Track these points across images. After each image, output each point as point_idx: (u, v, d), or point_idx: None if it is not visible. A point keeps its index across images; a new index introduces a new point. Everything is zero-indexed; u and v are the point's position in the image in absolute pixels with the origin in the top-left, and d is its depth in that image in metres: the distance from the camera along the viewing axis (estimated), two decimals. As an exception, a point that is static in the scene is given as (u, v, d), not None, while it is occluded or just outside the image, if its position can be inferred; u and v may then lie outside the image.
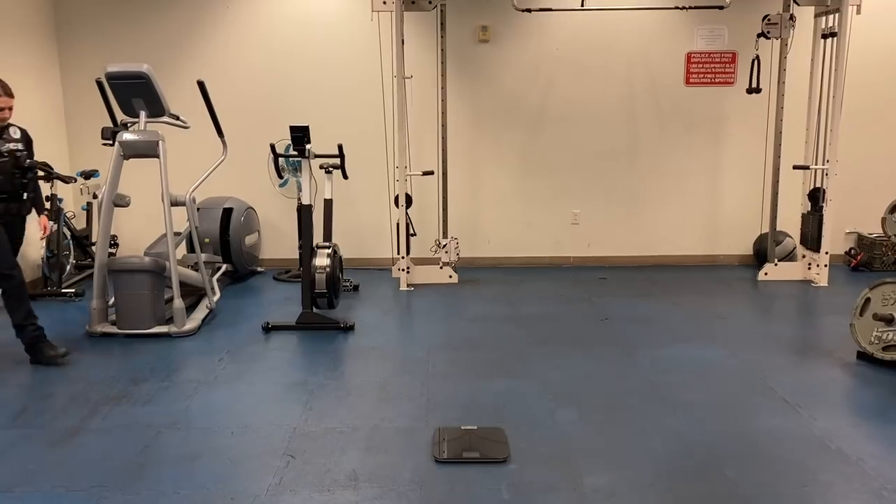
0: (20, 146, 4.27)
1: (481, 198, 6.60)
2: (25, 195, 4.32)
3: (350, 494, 2.78)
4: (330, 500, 2.75)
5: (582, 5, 5.86)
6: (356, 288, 5.82)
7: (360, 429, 3.33)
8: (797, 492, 2.78)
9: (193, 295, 5.19)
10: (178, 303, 4.66)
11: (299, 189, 5.66)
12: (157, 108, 4.75)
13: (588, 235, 6.67)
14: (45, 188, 5.59)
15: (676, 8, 5.98)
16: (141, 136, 4.67)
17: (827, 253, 5.82)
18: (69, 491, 2.82)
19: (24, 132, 4.35)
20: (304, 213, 4.99)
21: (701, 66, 6.41)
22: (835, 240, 6.07)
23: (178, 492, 2.80)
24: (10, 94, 4.15)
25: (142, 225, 6.05)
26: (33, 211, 4.51)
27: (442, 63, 6.05)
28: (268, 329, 4.76)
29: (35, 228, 4.76)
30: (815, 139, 6.00)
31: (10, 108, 4.17)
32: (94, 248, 5.62)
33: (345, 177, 5.45)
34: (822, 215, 5.83)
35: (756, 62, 5.87)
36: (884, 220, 4.57)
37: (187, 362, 4.28)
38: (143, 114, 4.77)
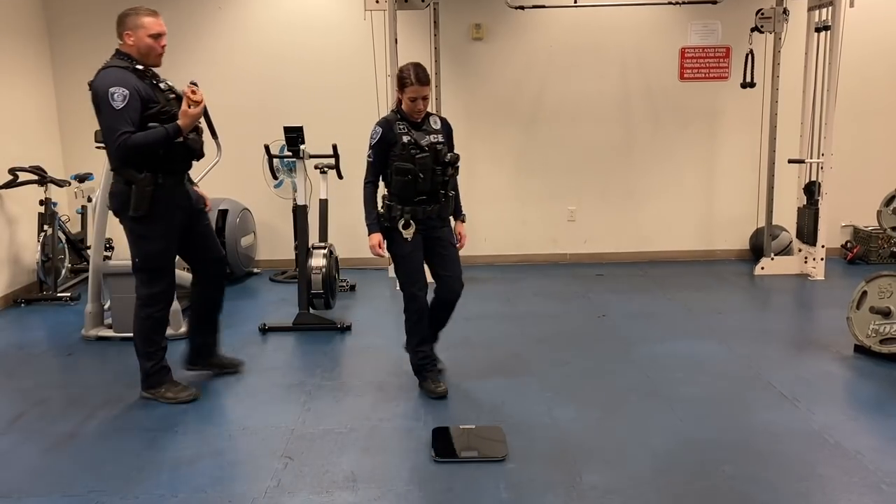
0: (440, 138, 3.64)
1: (477, 196, 6.57)
2: (445, 195, 3.70)
3: (348, 495, 2.78)
4: (328, 502, 2.74)
5: (575, 2, 5.85)
6: (353, 288, 5.81)
7: (358, 429, 3.33)
8: (796, 486, 2.78)
9: (189, 297, 5.17)
10: (174, 305, 4.63)
11: (294, 190, 5.64)
12: (150, 111, 4.73)
13: (584, 232, 6.66)
14: (38, 192, 5.60)
15: (670, 3, 5.97)
16: (134, 139, 4.64)
17: (823, 246, 5.82)
18: (66, 496, 2.81)
19: (444, 121, 3.74)
20: (299, 213, 4.97)
21: (695, 61, 6.40)
22: (831, 233, 6.06)
23: (176, 495, 2.79)
24: (422, 83, 3.50)
25: (137, 228, 6.02)
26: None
27: (436, 62, 6.03)
28: (264, 330, 4.75)
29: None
30: (810, 133, 5.99)
31: (425, 98, 3.54)
32: (89, 251, 5.59)
33: (340, 177, 5.43)
34: (817, 209, 5.83)
35: (750, 56, 5.87)
36: (879, 212, 4.57)
37: (184, 365, 4.27)
38: (136, 116, 4.74)
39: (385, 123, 3.59)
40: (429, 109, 3.64)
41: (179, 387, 3.67)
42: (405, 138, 3.54)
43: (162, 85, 3.46)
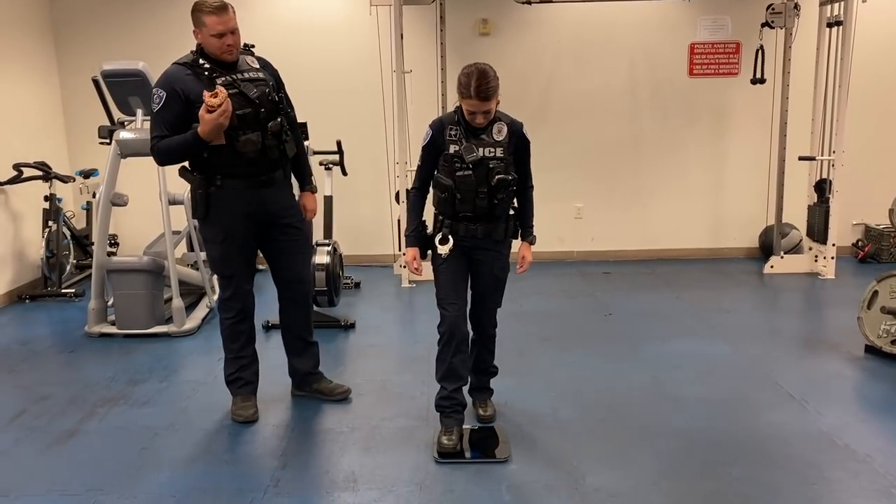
0: (497, 152, 3.03)
1: (483, 193, 6.54)
2: (497, 216, 3.17)
3: (349, 496, 2.74)
4: (328, 502, 2.71)
5: (583, -3, 5.79)
6: (357, 285, 5.78)
7: (360, 429, 3.30)
8: (804, 490, 2.73)
9: (193, 294, 5.16)
10: (178, 302, 4.62)
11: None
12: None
13: (591, 230, 6.60)
14: (43, 188, 5.60)
15: (679, -2, 5.91)
16: (138, 135, 4.62)
17: (834, 245, 5.75)
18: (64, 494, 2.79)
19: (514, 130, 3.12)
20: (303, 210, 4.93)
21: (704, 56, 6.33)
22: (842, 231, 5.98)
23: (175, 494, 2.77)
24: (483, 98, 2.95)
25: (142, 224, 6.00)
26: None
27: (442, 57, 5.99)
28: (268, 328, 4.70)
29: None
30: (821, 130, 5.92)
31: (487, 113, 3.00)
32: (93, 247, 5.59)
33: (344, 173, 5.41)
34: (828, 207, 5.75)
35: (760, 52, 5.79)
36: (891, 211, 4.51)
37: (186, 362, 4.25)
38: (139, 112, 4.73)
39: (438, 125, 3.07)
40: (502, 111, 3.12)
41: (247, 404, 3.41)
42: (453, 148, 3.01)
43: (220, 80, 3.10)
